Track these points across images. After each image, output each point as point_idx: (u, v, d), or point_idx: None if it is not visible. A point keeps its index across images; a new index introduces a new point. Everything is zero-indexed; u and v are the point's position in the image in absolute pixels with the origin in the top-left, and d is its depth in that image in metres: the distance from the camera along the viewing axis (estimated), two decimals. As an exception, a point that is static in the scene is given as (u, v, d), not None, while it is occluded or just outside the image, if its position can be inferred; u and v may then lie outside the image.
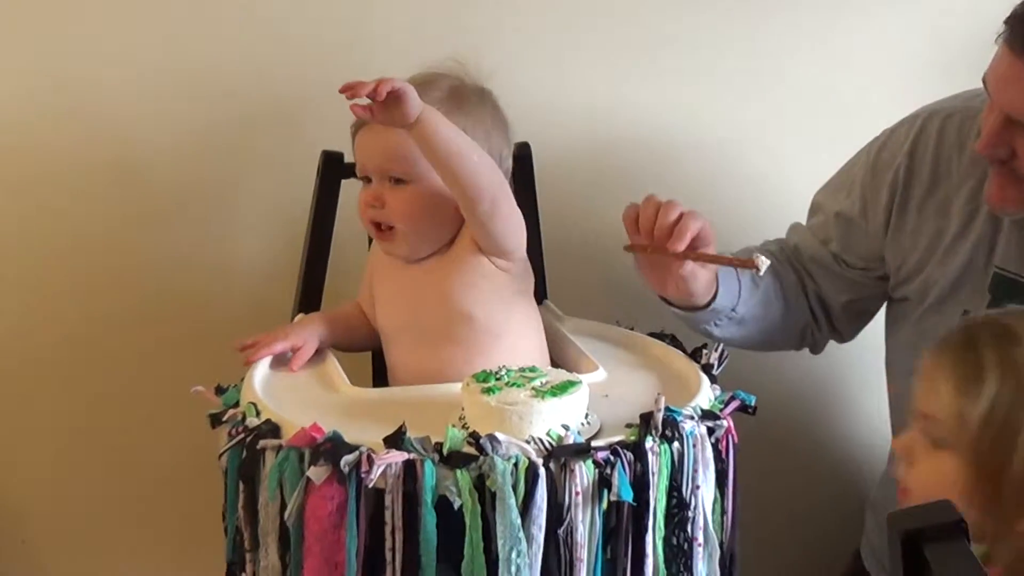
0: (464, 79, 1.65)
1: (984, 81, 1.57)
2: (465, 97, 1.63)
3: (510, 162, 1.69)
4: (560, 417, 1.38)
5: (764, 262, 1.54)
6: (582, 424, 1.41)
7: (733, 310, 1.73)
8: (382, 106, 1.46)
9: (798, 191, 1.95)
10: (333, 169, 1.84)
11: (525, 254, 1.63)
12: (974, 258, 1.72)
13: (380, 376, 1.79)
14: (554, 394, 1.39)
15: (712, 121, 2.15)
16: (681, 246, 1.57)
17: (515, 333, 1.61)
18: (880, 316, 1.90)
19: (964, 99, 1.75)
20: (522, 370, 1.46)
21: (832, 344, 1.94)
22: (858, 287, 1.85)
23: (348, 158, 1.85)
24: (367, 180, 1.62)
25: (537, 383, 1.42)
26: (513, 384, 1.41)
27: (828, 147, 1.91)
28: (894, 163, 1.78)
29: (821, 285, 1.85)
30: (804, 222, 1.92)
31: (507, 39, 2.05)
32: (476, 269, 1.58)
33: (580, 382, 1.44)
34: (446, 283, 1.59)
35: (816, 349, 1.92)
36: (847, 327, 1.90)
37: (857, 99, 2.09)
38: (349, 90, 1.44)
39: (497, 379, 1.43)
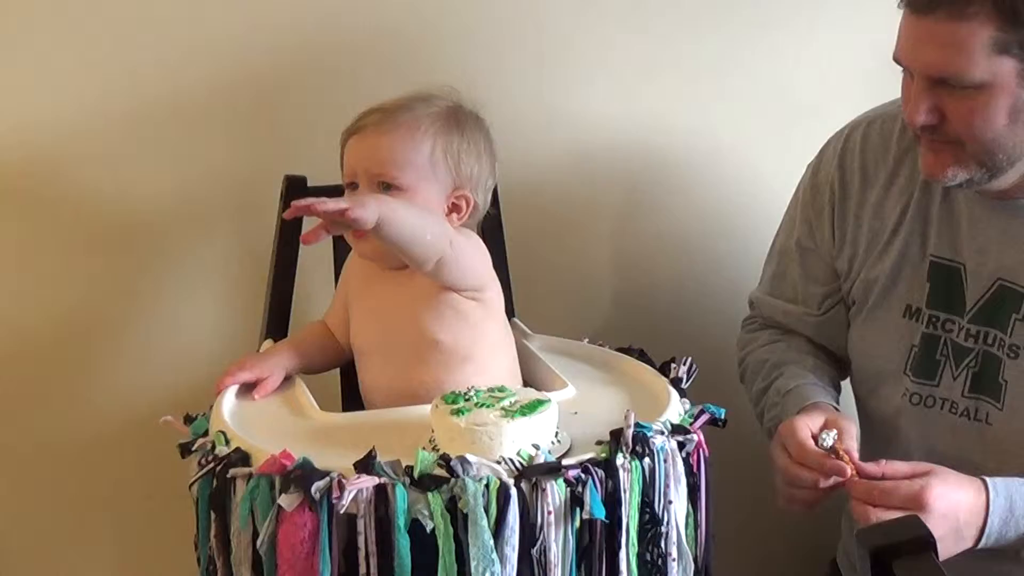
0: (461, 102, 1.69)
1: (896, 59, 1.61)
2: (463, 118, 1.67)
3: (491, 195, 1.72)
4: (530, 436, 1.40)
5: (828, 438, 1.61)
6: (552, 443, 1.43)
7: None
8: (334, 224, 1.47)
9: (776, 200, 1.98)
10: (296, 193, 1.84)
11: (494, 278, 1.65)
12: (908, 251, 1.76)
13: (349, 399, 1.80)
14: (523, 413, 1.41)
15: (684, 132, 2.18)
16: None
17: (485, 355, 1.62)
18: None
19: (885, 106, 1.80)
20: (491, 390, 1.47)
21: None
22: (839, 325, 1.88)
23: (312, 181, 1.87)
24: (353, 186, 1.64)
25: (506, 403, 1.43)
26: (482, 404, 1.43)
27: (805, 155, 1.94)
28: (828, 178, 1.84)
29: (815, 339, 1.90)
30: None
31: (477, 54, 2.07)
32: (443, 300, 1.61)
33: (549, 400, 1.45)
34: (413, 308, 1.61)
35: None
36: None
37: (831, 105, 2.12)
38: (300, 212, 1.46)
39: (466, 400, 1.44)
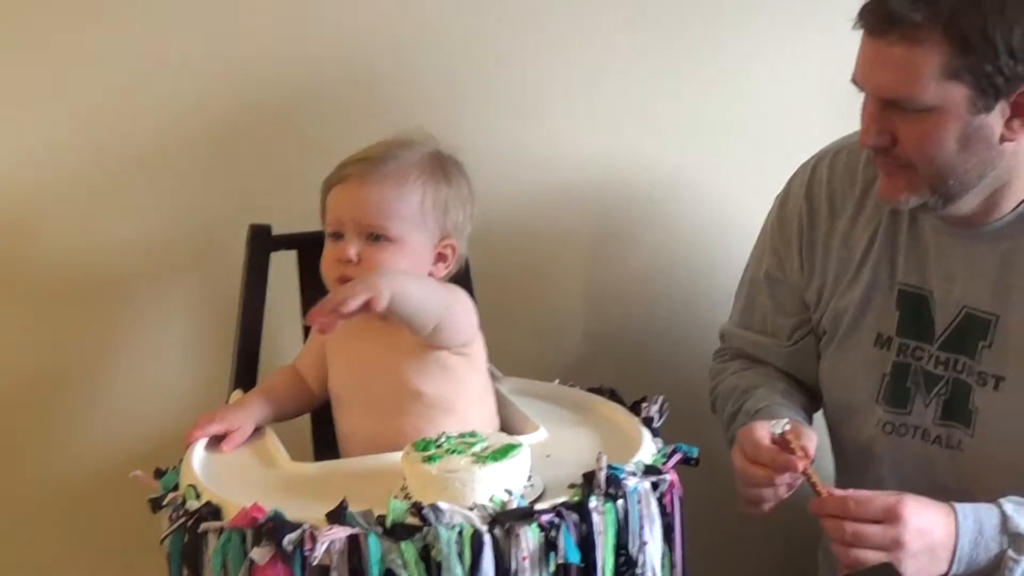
0: (439, 147, 1.69)
1: (853, 81, 1.63)
2: (447, 165, 1.68)
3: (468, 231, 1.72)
4: (503, 482, 1.40)
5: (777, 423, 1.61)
6: (525, 487, 1.43)
7: None
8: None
9: (746, 233, 2.00)
10: (261, 242, 1.86)
11: (479, 332, 1.66)
12: (877, 279, 1.78)
13: (321, 446, 1.81)
14: (495, 459, 1.41)
15: (652, 168, 2.20)
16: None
17: (466, 407, 1.63)
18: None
19: (850, 136, 1.81)
20: (462, 435, 1.47)
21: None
22: (808, 354, 1.90)
23: (277, 229, 1.88)
24: (336, 236, 1.63)
25: (477, 448, 1.43)
26: (453, 451, 1.43)
27: (774, 188, 1.96)
28: (796, 210, 1.86)
29: (790, 371, 1.91)
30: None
31: (445, 94, 2.08)
32: (427, 354, 1.61)
33: (521, 445, 1.45)
34: (397, 360, 1.61)
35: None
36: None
37: (799, 138, 2.15)
38: (318, 320, 1.47)
39: (437, 447, 1.44)
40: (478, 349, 1.66)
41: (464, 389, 1.64)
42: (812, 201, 1.85)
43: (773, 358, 1.92)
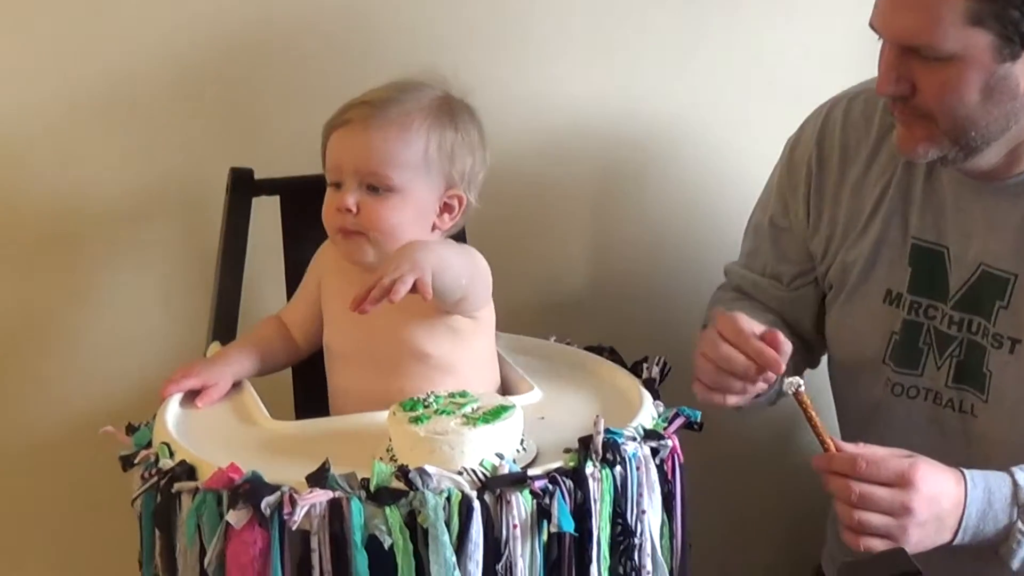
0: (450, 91, 1.66)
1: (871, 26, 1.61)
2: (456, 111, 1.64)
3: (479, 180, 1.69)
4: (494, 445, 1.38)
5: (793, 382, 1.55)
6: (517, 451, 1.41)
7: None
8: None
9: (754, 184, 1.97)
10: (243, 187, 1.84)
11: (491, 297, 1.63)
12: (888, 232, 1.76)
13: (303, 405, 1.80)
14: (486, 420, 1.39)
15: (657, 116, 2.17)
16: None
17: (471, 370, 1.61)
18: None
19: (869, 82, 1.78)
20: (451, 395, 1.46)
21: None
22: (808, 303, 1.88)
23: (259, 173, 1.86)
24: (336, 185, 1.61)
25: (468, 409, 1.42)
26: (442, 412, 1.41)
27: (783, 138, 1.93)
28: (806, 156, 1.83)
29: (786, 316, 1.88)
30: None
31: (441, 34, 2.05)
32: (437, 315, 1.59)
33: (514, 406, 1.44)
34: (403, 319, 1.58)
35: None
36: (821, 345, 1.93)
37: (811, 86, 2.12)
38: (368, 307, 1.45)
39: (425, 407, 1.43)
40: (488, 313, 1.64)
41: (471, 353, 1.62)
42: (823, 147, 1.82)
43: (771, 300, 1.90)
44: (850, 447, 1.55)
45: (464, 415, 1.41)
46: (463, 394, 1.46)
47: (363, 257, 1.61)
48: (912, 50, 1.57)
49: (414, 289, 1.44)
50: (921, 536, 1.52)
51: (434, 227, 1.64)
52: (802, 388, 1.53)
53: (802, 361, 1.88)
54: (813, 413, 1.54)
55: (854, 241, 1.79)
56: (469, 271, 1.55)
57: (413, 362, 1.59)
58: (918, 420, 1.76)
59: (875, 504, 1.51)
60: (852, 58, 1.92)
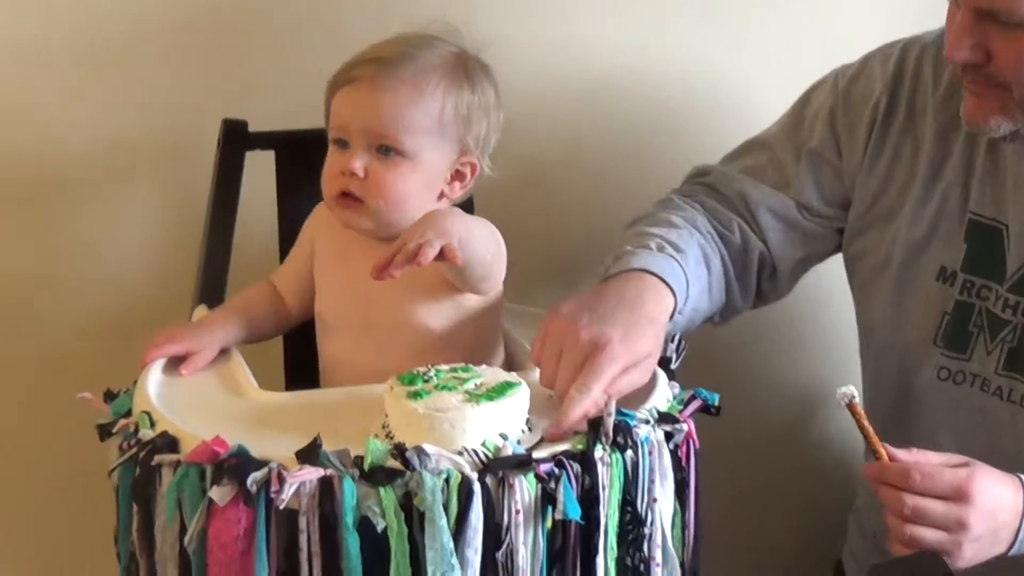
0: (464, 47, 1.63)
1: None
2: (472, 69, 1.62)
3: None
4: (497, 424, 1.36)
5: (846, 393, 1.51)
6: (522, 432, 1.39)
7: (679, 313, 1.67)
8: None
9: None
10: (236, 140, 1.83)
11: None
12: (946, 205, 1.74)
13: (294, 374, 1.79)
14: (490, 398, 1.37)
15: (686, 74, 2.17)
16: None
17: (473, 344, 1.59)
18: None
19: (940, 32, 1.74)
20: (453, 369, 1.44)
21: (804, 330, 1.94)
22: (814, 241, 1.85)
23: (253, 126, 1.85)
24: (341, 144, 1.59)
25: (470, 385, 1.40)
26: (443, 387, 1.39)
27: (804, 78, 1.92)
28: (871, 97, 1.79)
29: (772, 242, 1.83)
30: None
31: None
32: (444, 290, 1.57)
33: (520, 383, 1.41)
34: (407, 292, 1.57)
35: (727, 320, 1.87)
36: (783, 290, 1.89)
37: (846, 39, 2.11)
38: (389, 274, 1.43)
39: (425, 381, 1.40)
40: (498, 290, 1.63)
41: (479, 329, 1.60)
42: (895, 94, 1.78)
43: (765, 217, 1.82)
44: (903, 455, 1.51)
45: (466, 391, 1.38)
46: (466, 368, 1.44)
47: (359, 224, 1.59)
48: (989, 14, 1.53)
49: (440, 257, 1.42)
50: (975, 551, 1.49)
51: (441, 195, 1.61)
52: (856, 399, 1.50)
53: (733, 305, 1.82)
54: (866, 423, 1.51)
55: (913, 208, 1.75)
56: (493, 247, 1.53)
57: (414, 337, 1.57)
58: (966, 409, 1.73)
59: (929, 519, 1.48)
60: (885, 16, 1.91)
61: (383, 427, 1.39)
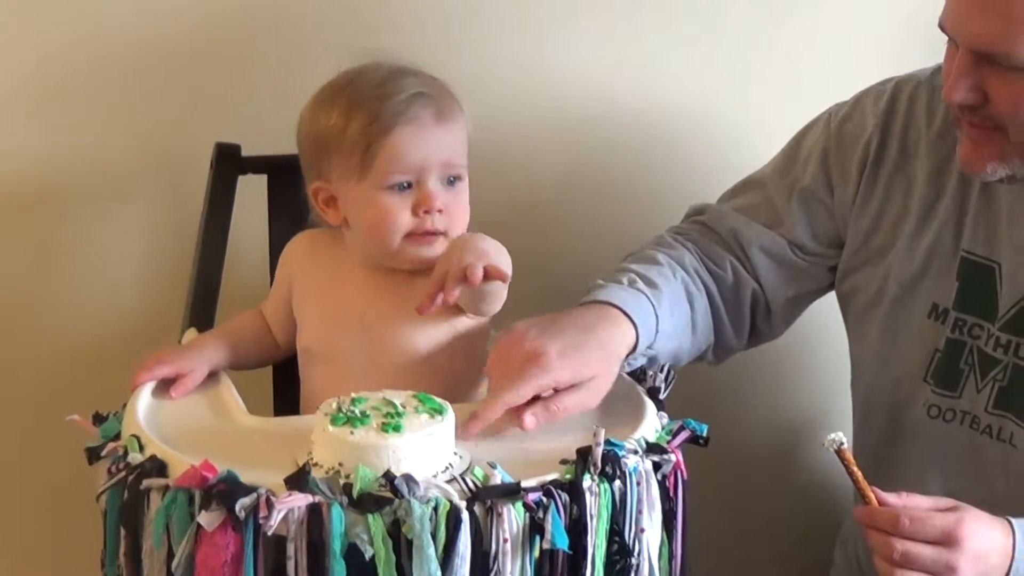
0: (435, 77, 1.64)
1: (941, 26, 1.58)
2: (455, 101, 1.63)
3: None
4: (425, 453, 1.37)
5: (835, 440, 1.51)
6: (454, 458, 1.41)
7: (649, 347, 1.68)
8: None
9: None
10: (229, 163, 1.83)
11: None
12: (940, 243, 1.74)
13: (282, 400, 1.79)
14: (413, 427, 1.38)
15: (670, 103, 2.17)
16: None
17: (464, 371, 1.62)
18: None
19: (932, 70, 1.77)
20: (379, 398, 1.44)
21: (793, 362, 1.94)
22: (807, 279, 1.85)
23: (246, 150, 1.85)
24: (405, 186, 1.58)
25: (394, 413, 1.40)
26: (366, 415, 1.40)
27: (798, 115, 1.93)
28: (863, 136, 1.80)
29: (764, 280, 1.84)
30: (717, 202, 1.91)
31: (439, 8, 2.04)
32: (441, 317, 1.59)
33: (446, 411, 1.42)
34: (401, 319, 1.58)
35: (722, 359, 1.89)
36: (778, 328, 1.90)
37: (839, 78, 2.11)
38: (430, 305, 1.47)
39: (351, 408, 1.41)
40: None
41: (468, 354, 1.61)
42: (887, 132, 1.79)
43: (765, 254, 1.84)
44: (893, 499, 1.52)
45: (391, 421, 1.39)
46: (388, 399, 1.44)
47: (430, 256, 1.59)
48: (986, 57, 1.54)
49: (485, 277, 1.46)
50: None
51: None
52: (844, 446, 1.51)
53: (726, 344, 1.84)
54: (855, 468, 1.52)
55: (906, 245, 1.76)
56: (510, 269, 1.55)
57: (405, 361, 1.58)
58: (955, 446, 1.74)
59: (919, 563, 1.48)
60: (883, 52, 1.91)
61: (308, 455, 1.40)
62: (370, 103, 1.57)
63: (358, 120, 1.56)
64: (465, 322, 1.60)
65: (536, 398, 1.49)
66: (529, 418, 1.48)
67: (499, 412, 1.47)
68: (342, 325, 1.60)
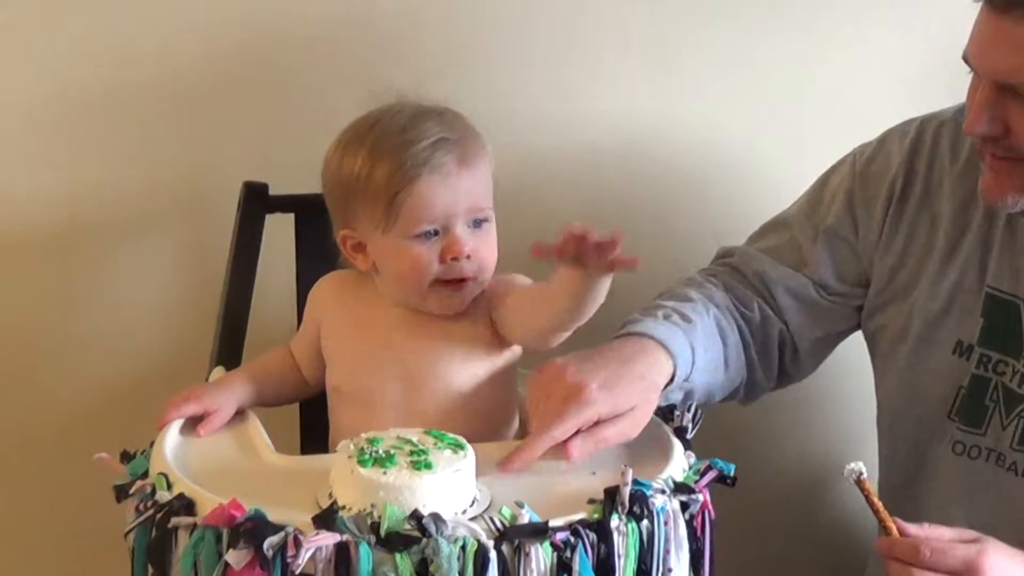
0: (459, 113, 1.63)
1: (965, 59, 1.59)
2: (478, 140, 1.62)
3: None
4: (449, 491, 1.38)
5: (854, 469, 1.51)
6: (475, 499, 1.41)
7: (686, 380, 1.69)
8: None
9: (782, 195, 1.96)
10: (256, 202, 1.84)
11: None
12: (964, 279, 1.74)
13: (309, 439, 1.79)
14: (431, 466, 1.38)
15: (685, 137, 2.17)
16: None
17: (495, 406, 1.62)
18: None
19: (958, 108, 1.77)
20: (399, 436, 1.44)
21: (819, 401, 1.94)
22: (832, 319, 1.86)
23: (273, 189, 1.85)
24: (432, 234, 1.57)
25: (416, 451, 1.41)
26: (390, 455, 1.40)
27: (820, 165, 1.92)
28: (888, 174, 1.81)
29: (791, 321, 1.85)
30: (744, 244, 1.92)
31: (459, 47, 2.04)
32: (482, 347, 1.60)
33: (466, 449, 1.43)
34: (445, 361, 1.59)
35: (752, 399, 1.90)
36: (807, 368, 1.90)
37: (856, 111, 2.11)
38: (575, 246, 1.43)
39: (372, 447, 1.41)
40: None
41: (502, 390, 1.62)
42: (912, 172, 1.80)
43: (790, 297, 1.84)
44: (914, 529, 1.51)
45: (412, 460, 1.39)
46: (404, 437, 1.44)
47: (463, 302, 1.60)
48: (1008, 88, 1.55)
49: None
50: None
51: None
52: (864, 475, 1.50)
53: (756, 383, 1.84)
54: (875, 499, 1.52)
55: (931, 282, 1.77)
56: None
57: (444, 403, 1.58)
58: (980, 483, 1.74)
59: None
60: (909, 86, 1.91)
61: (329, 496, 1.39)
62: (393, 152, 1.55)
63: (382, 169, 1.55)
64: (504, 357, 1.60)
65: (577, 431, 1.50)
66: (575, 450, 1.49)
67: (545, 447, 1.48)
68: (375, 365, 1.60)
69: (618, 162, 2.15)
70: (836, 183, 1.87)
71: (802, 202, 1.90)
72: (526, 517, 1.36)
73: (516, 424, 1.66)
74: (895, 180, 1.80)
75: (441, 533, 1.32)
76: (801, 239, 1.85)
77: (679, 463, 1.52)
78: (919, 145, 1.80)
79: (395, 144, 1.55)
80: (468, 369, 1.59)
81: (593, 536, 1.36)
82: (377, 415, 1.58)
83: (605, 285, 1.47)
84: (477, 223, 1.58)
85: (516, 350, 1.63)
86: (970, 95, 1.61)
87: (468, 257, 1.57)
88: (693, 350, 1.68)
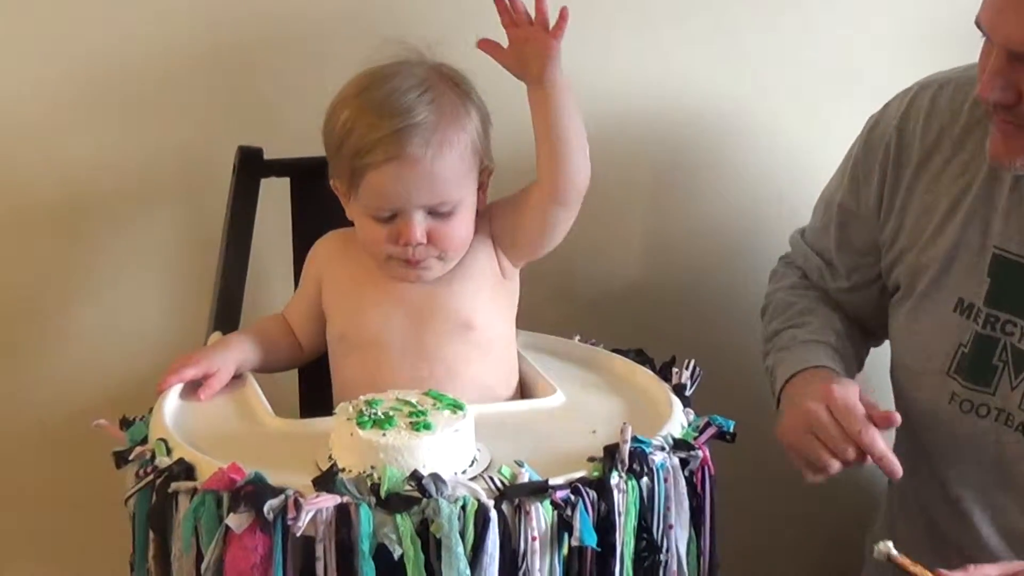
0: (434, 61, 1.64)
1: (977, 23, 1.59)
2: (460, 83, 1.63)
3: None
4: (446, 453, 1.38)
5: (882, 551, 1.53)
6: (475, 456, 1.42)
7: None
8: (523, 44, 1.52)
9: (811, 182, 1.98)
10: (252, 167, 1.83)
11: None
12: (966, 237, 1.74)
13: (308, 402, 1.80)
14: (430, 427, 1.39)
15: (702, 105, 2.16)
16: None
17: (501, 350, 1.65)
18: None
19: (962, 69, 1.77)
20: (397, 398, 1.45)
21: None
22: (871, 303, 1.90)
23: (268, 154, 1.85)
24: (389, 218, 1.59)
25: (415, 412, 1.42)
26: (389, 417, 1.40)
27: (845, 134, 1.93)
28: (884, 138, 1.82)
29: (848, 310, 1.91)
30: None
31: (465, 8, 2.02)
32: (486, 278, 1.64)
33: (465, 409, 1.43)
34: (452, 292, 1.62)
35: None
36: (882, 337, 1.94)
37: (878, 77, 2.10)
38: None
39: (370, 409, 1.42)
40: (516, 285, 1.69)
41: (504, 325, 1.67)
42: (904, 133, 1.81)
43: (832, 291, 1.92)
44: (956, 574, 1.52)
45: (419, 419, 1.40)
46: (402, 398, 1.45)
47: (427, 277, 1.62)
48: (1021, 57, 1.55)
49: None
50: None
51: (477, 213, 1.65)
52: (893, 553, 1.51)
53: (864, 349, 1.92)
54: (914, 568, 1.51)
55: (928, 243, 1.78)
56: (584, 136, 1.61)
57: (455, 337, 1.61)
58: (986, 441, 1.74)
59: None
60: (925, 48, 1.90)
61: (328, 459, 1.40)
62: (365, 129, 1.56)
63: (349, 144, 1.57)
64: (507, 288, 1.66)
65: None
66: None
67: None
68: (380, 307, 1.63)
69: (618, 131, 2.14)
70: (852, 153, 1.90)
71: (835, 175, 1.94)
72: (526, 476, 1.36)
73: (516, 363, 1.69)
74: (888, 144, 1.82)
75: (441, 493, 1.32)
76: (828, 221, 1.91)
77: (678, 420, 1.53)
78: (913, 108, 1.81)
79: (370, 120, 1.56)
80: (473, 300, 1.62)
81: (593, 494, 1.37)
82: (385, 355, 1.61)
83: (565, 96, 1.54)
84: (437, 213, 1.59)
85: (515, 283, 1.67)
86: (982, 59, 1.61)
87: (423, 244, 1.58)
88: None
